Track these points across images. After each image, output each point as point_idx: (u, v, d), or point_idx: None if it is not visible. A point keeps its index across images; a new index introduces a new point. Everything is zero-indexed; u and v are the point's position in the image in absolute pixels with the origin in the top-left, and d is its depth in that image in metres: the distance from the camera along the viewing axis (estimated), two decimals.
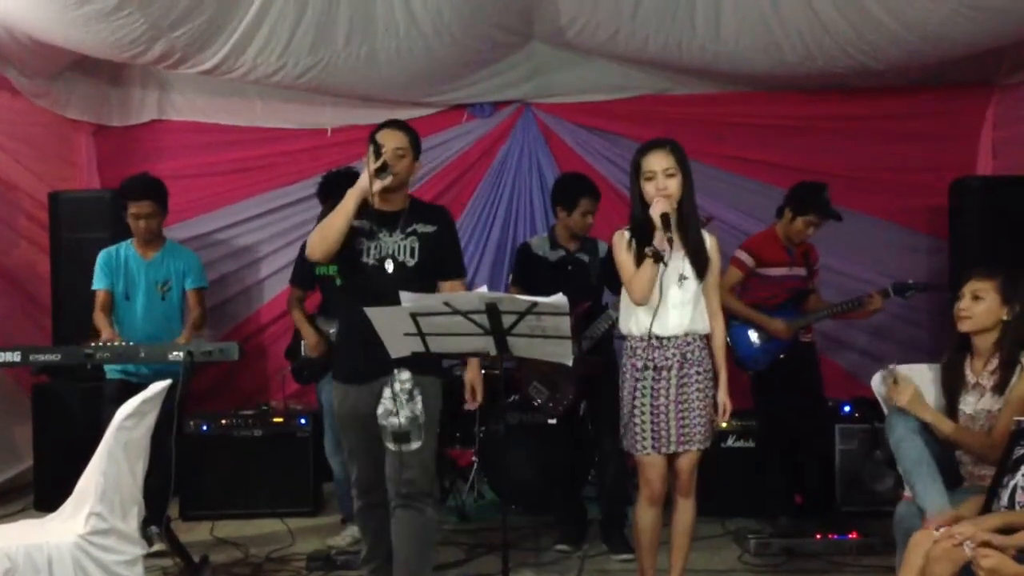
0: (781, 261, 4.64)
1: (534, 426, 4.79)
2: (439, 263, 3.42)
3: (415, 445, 3.19)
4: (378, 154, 3.23)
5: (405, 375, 3.16)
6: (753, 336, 4.64)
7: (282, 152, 6.17)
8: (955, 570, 2.69)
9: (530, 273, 4.56)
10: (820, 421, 4.81)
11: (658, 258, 3.25)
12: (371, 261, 3.32)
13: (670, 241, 3.26)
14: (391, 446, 3.19)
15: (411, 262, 3.33)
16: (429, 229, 3.38)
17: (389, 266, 3.31)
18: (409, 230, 3.36)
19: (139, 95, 6.20)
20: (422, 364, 3.18)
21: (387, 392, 3.17)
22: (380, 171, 3.21)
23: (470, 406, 3.61)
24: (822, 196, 4.58)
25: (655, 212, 3.29)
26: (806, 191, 4.62)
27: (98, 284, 4.51)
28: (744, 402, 5.15)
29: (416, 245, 3.34)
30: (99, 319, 4.46)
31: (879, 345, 5.72)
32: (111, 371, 4.47)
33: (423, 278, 3.30)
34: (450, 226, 3.51)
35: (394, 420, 3.14)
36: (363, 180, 3.22)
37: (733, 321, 4.63)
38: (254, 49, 5.15)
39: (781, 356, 4.61)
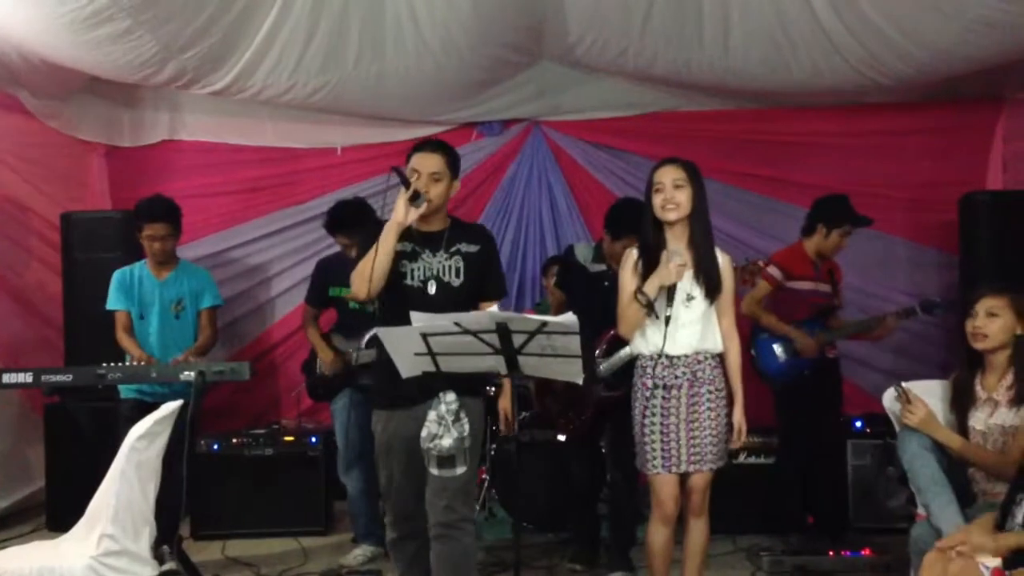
0: (808, 276, 4.63)
1: (546, 444, 4.78)
2: (482, 283, 3.32)
3: (460, 470, 3.08)
4: (407, 183, 3.12)
5: (451, 396, 3.07)
6: (778, 350, 4.62)
7: (292, 171, 6.21)
8: None
9: (569, 280, 4.51)
10: (835, 438, 4.78)
11: (647, 306, 3.28)
12: (415, 283, 3.22)
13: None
14: (435, 471, 3.09)
15: (457, 282, 3.23)
16: (473, 249, 3.29)
17: (432, 288, 3.21)
18: (453, 250, 3.27)
19: (150, 116, 6.24)
20: (466, 385, 3.12)
21: (432, 415, 3.07)
22: (413, 200, 3.10)
23: (505, 433, 3.47)
24: (849, 206, 4.60)
25: (663, 279, 3.29)
26: (834, 204, 4.63)
27: (115, 305, 4.50)
28: (757, 418, 5.17)
29: (461, 265, 3.25)
30: (125, 340, 4.46)
31: (892, 360, 5.70)
32: (126, 390, 4.45)
33: (468, 299, 3.22)
34: (492, 245, 3.42)
35: (440, 443, 3.04)
36: (398, 212, 3.10)
37: (759, 335, 4.63)
38: (264, 70, 5.19)
39: (805, 372, 4.58)
